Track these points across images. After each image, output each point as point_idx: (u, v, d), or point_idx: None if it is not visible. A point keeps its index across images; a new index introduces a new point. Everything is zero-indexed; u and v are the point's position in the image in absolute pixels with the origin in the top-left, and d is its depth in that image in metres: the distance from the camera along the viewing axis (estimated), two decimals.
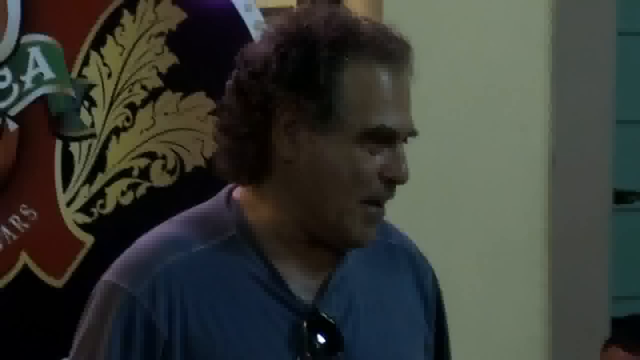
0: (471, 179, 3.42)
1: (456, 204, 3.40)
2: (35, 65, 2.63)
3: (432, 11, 3.34)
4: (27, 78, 2.64)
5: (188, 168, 2.75)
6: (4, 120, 2.63)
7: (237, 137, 1.88)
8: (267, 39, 1.88)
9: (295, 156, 1.85)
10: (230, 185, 1.96)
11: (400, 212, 2.73)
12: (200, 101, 2.72)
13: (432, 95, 3.29)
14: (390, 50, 1.86)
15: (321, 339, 1.89)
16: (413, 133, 1.89)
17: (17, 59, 2.61)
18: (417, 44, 3.01)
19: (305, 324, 1.88)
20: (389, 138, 1.84)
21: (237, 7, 2.79)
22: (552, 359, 3.52)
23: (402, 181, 1.86)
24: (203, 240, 1.91)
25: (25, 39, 2.62)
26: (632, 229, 3.78)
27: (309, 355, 1.88)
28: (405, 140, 1.88)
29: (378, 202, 1.88)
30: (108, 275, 1.91)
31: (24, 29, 2.61)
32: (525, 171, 3.50)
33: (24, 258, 2.69)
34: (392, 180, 1.85)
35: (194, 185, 2.69)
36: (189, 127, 2.74)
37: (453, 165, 3.40)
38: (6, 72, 2.61)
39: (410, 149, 2.88)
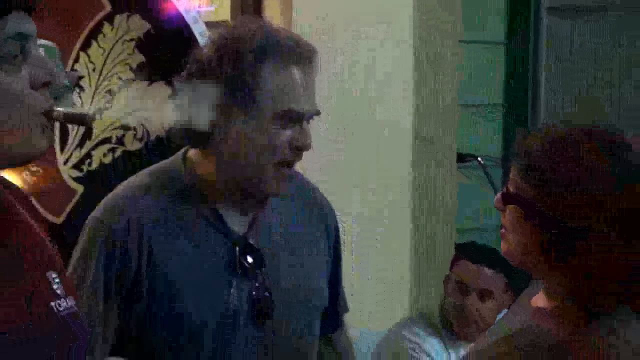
0: (358, 145, 3.40)
1: (348, 159, 3.37)
2: None
3: (331, 33, 3.28)
4: None
5: (153, 137, 2.73)
6: None
7: (178, 118, 1.84)
8: (210, 44, 1.89)
9: (228, 130, 1.85)
10: (185, 147, 1.96)
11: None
12: (161, 88, 2.60)
13: (334, 90, 3.29)
14: (299, 54, 1.87)
15: (249, 259, 1.89)
16: (316, 113, 1.91)
17: None
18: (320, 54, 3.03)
19: (237, 249, 1.90)
20: (297, 118, 1.85)
21: (187, 20, 2.75)
22: (416, 275, 3.56)
23: (306, 149, 1.89)
24: (164, 188, 1.92)
25: None
26: (470, 184, 3.85)
27: (240, 271, 1.89)
28: (311, 118, 1.91)
29: (289, 164, 1.89)
30: (95, 213, 1.92)
31: None
32: (397, 141, 3.51)
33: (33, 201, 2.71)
34: (298, 148, 1.87)
35: (156, 149, 2.67)
36: (153, 107, 2.70)
37: (345, 137, 3.37)
38: None
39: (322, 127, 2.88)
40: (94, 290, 1.85)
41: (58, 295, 1.34)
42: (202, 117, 1.85)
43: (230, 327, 1.90)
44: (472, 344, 1.81)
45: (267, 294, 1.92)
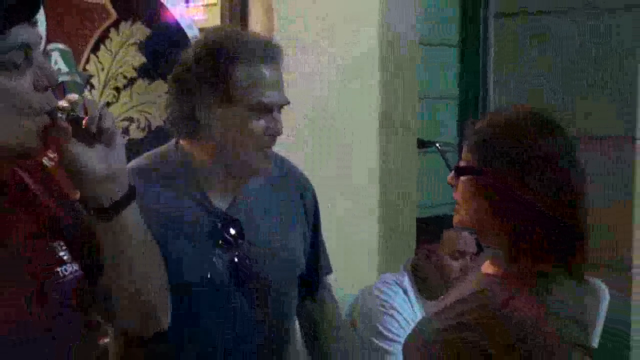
0: (333, 125, 3.35)
1: (324, 142, 3.32)
2: (56, 63, 2.57)
3: (308, 35, 3.24)
4: None
5: (153, 127, 2.73)
6: None
7: (175, 110, 1.88)
8: (191, 47, 1.89)
9: (211, 123, 1.85)
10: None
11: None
12: (160, 85, 2.70)
13: (319, 83, 3.28)
14: (266, 54, 1.86)
15: (232, 231, 1.90)
16: (286, 103, 1.91)
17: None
18: (303, 52, 2.98)
19: (219, 223, 1.90)
20: (267, 109, 1.85)
21: (182, 26, 2.78)
22: (382, 241, 3.56)
23: (278, 134, 1.89)
24: (159, 171, 1.92)
25: (49, 46, 2.55)
26: (429, 165, 3.86)
27: (221, 242, 1.90)
28: (281, 108, 1.90)
29: (266, 148, 1.88)
30: None
31: (48, 40, 2.54)
32: (366, 126, 3.48)
33: None
34: (272, 135, 1.88)
35: (156, 137, 2.64)
36: (153, 102, 2.73)
37: (324, 118, 3.32)
38: None
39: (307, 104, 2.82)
40: None
41: (64, 261, 1.35)
42: (187, 112, 1.87)
43: (214, 290, 1.90)
44: (438, 301, 1.82)
45: (247, 261, 1.91)
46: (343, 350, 2.26)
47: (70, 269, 1.36)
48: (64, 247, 1.37)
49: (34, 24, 1.28)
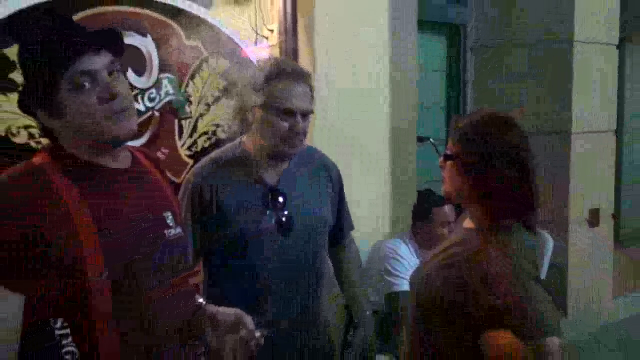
0: (358, 125, 3.30)
1: (344, 138, 3.23)
2: (166, 87, 2.57)
3: (341, 51, 3.20)
4: (162, 92, 2.56)
5: (232, 130, 2.74)
6: (153, 112, 2.52)
7: (235, 114, 1.96)
8: (242, 76, 1.99)
9: (255, 122, 1.90)
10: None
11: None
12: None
13: (340, 87, 3.22)
14: (294, 75, 1.88)
15: (280, 199, 1.93)
16: (309, 112, 1.90)
17: (157, 84, 2.54)
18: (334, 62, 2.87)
19: (269, 194, 1.94)
20: (291, 113, 1.87)
21: (253, 60, 2.78)
22: (392, 214, 3.62)
23: (298, 133, 1.88)
24: (227, 159, 1.97)
25: (161, 75, 2.55)
26: (425, 154, 3.85)
27: (271, 205, 1.92)
28: (305, 114, 1.89)
29: (288, 139, 1.89)
30: (188, 174, 2.00)
31: (160, 71, 2.54)
32: (375, 121, 3.39)
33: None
34: (294, 132, 1.88)
35: (235, 138, 2.67)
36: None
37: (340, 116, 3.23)
38: (154, 90, 2.52)
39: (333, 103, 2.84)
40: (186, 218, 1.89)
41: (170, 226, 1.40)
42: (242, 115, 1.94)
43: (267, 238, 1.93)
44: (432, 251, 1.83)
45: (290, 218, 1.93)
46: (360, 281, 2.28)
47: (174, 232, 1.40)
48: (170, 217, 1.41)
49: (99, 52, 1.27)
